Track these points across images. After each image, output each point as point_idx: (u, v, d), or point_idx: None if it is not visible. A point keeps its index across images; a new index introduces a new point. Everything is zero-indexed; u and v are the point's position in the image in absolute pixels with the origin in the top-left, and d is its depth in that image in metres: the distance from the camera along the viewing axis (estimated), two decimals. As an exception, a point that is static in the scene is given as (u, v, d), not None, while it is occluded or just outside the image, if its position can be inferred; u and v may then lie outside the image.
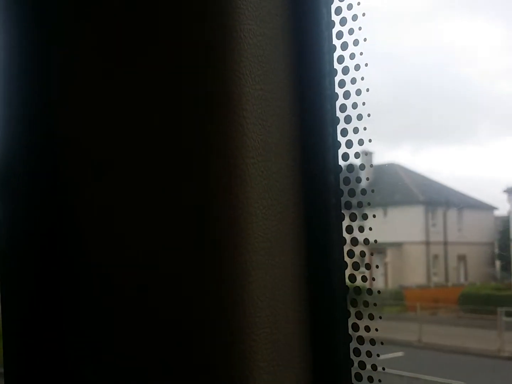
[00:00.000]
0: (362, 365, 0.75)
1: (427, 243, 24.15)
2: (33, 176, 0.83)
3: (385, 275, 23.02)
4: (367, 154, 0.75)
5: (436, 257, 24.22)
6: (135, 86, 0.74)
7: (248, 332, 0.68)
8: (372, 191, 0.74)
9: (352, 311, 0.77)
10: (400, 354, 11.83)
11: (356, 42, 0.76)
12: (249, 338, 0.68)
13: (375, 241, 0.76)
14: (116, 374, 0.75)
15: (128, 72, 0.75)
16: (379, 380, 0.73)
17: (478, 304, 16.38)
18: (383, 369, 0.73)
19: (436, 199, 24.26)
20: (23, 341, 0.83)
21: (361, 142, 0.76)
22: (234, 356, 0.67)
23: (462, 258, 24.35)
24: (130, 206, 0.75)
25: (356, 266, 0.77)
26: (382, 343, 0.73)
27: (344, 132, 0.78)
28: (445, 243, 24.34)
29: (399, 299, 18.72)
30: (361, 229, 0.77)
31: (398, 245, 23.58)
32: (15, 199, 0.85)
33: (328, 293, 0.78)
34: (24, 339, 0.83)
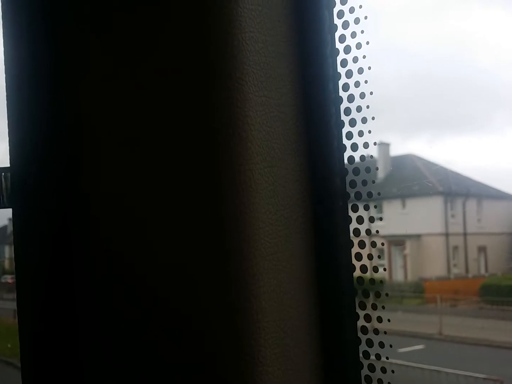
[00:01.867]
0: (371, 368, 0.76)
1: (447, 235, 23.91)
2: (45, 181, 0.84)
3: (405, 267, 22.86)
4: (372, 157, 0.75)
5: (456, 248, 23.98)
6: (142, 93, 0.75)
7: (257, 337, 0.68)
8: (379, 194, 0.74)
9: (361, 313, 0.77)
10: (420, 347, 11.76)
11: (359, 45, 0.75)
12: (257, 343, 0.68)
13: (382, 243, 0.76)
14: (126, 370, 0.76)
15: (134, 80, 0.76)
16: (389, 383, 0.74)
17: (499, 295, 16.19)
18: (392, 371, 0.73)
19: (455, 190, 24.00)
20: (38, 337, 0.85)
21: (366, 145, 0.76)
22: (243, 361, 0.68)
23: (482, 249, 24.07)
24: (141, 211, 0.76)
25: (364, 269, 0.77)
26: (391, 346, 0.73)
27: (349, 135, 0.78)
28: (465, 234, 24.08)
29: (419, 291, 18.59)
30: (369, 232, 0.77)
31: (417, 237, 23.40)
32: (28, 204, 0.86)
33: (337, 296, 0.78)
34: (39, 335, 0.85)
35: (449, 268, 23.73)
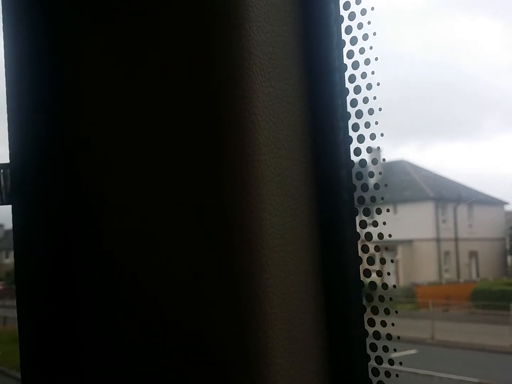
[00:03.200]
0: (379, 360, 0.75)
1: (438, 240, 24.03)
2: (45, 178, 0.84)
3: (396, 272, 22.92)
4: (379, 148, 0.74)
5: (447, 253, 24.09)
6: (145, 85, 0.75)
7: (264, 328, 0.68)
8: (386, 185, 0.74)
9: (368, 306, 0.76)
10: (413, 351, 11.78)
11: (365, 37, 0.75)
12: (265, 335, 0.68)
13: (390, 235, 0.76)
14: (130, 375, 0.75)
15: (137, 72, 0.75)
16: (397, 375, 0.73)
17: (491, 300, 16.26)
18: (400, 363, 0.73)
19: (446, 195, 24.13)
20: (39, 344, 0.84)
21: (373, 137, 0.76)
22: (250, 353, 0.67)
23: (473, 254, 24.20)
24: (143, 206, 0.75)
25: (370, 261, 0.77)
26: (398, 338, 0.72)
27: (356, 127, 0.78)
28: (456, 239, 24.20)
29: (411, 297, 18.64)
30: (375, 224, 0.76)
31: (408, 242, 23.48)
32: (28, 202, 0.85)
33: (343, 288, 0.78)
34: (40, 342, 0.84)
35: (440, 273, 23.83)
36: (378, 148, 0.75)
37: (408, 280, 21.99)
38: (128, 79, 0.76)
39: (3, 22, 0.86)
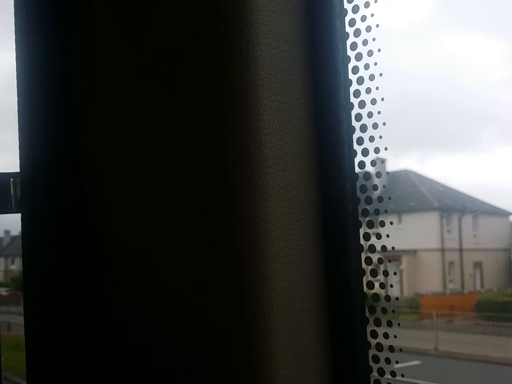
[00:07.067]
0: (381, 372, 0.76)
1: (443, 250, 23.90)
2: (54, 187, 0.85)
3: (401, 282, 22.79)
4: (383, 161, 0.75)
5: (451, 264, 23.95)
6: (153, 98, 0.76)
7: (268, 339, 0.68)
8: (389, 198, 0.75)
9: (371, 318, 0.77)
10: (416, 362, 11.69)
11: (370, 53, 0.77)
12: (268, 345, 0.68)
13: (393, 248, 0.77)
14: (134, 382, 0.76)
15: (147, 85, 0.77)
16: (399, 386, 0.74)
17: (495, 311, 16.14)
18: (402, 375, 0.73)
19: (451, 206, 24.04)
20: (45, 351, 0.85)
21: (377, 150, 0.77)
22: (254, 363, 0.68)
23: (478, 265, 24.06)
24: (149, 215, 0.76)
25: (374, 273, 0.78)
26: (401, 350, 0.73)
27: (360, 141, 0.79)
28: (461, 250, 24.07)
29: (415, 307, 18.51)
30: (379, 236, 0.77)
31: (413, 252, 23.36)
32: (37, 210, 0.86)
33: (346, 300, 0.78)
34: (46, 348, 0.84)
35: (445, 283, 23.67)
36: (382, 161, 0.76)
37: (412, 290, 21.86)
38: (135, 91, 0.77)
39: (15, 34, 0.88)
